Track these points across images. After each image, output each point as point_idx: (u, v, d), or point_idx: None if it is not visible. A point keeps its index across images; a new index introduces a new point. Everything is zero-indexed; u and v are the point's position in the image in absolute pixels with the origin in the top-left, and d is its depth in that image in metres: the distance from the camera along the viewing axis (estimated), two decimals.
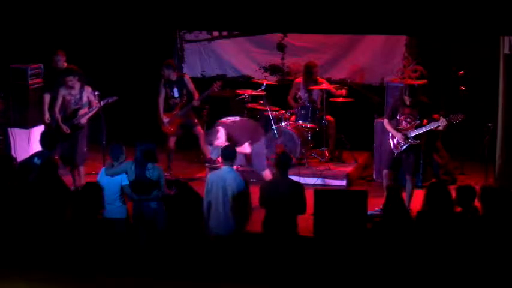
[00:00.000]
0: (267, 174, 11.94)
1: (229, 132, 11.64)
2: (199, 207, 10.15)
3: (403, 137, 11.32)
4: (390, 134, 11.51)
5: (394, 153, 11.46)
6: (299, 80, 13.93)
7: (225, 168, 10.11)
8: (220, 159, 10.66)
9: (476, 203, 9.00)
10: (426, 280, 8.79)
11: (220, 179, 9.98)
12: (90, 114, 12.39)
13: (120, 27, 13.28)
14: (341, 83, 14.33)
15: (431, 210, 8.98)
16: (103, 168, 10.30)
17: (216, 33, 15.16)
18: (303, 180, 11.85)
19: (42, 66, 13.44)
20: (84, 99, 12.37)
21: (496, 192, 9.04)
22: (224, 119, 12.00)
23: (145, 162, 10.01)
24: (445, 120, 11.20)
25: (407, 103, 11.33)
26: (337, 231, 9.69)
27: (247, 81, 14.66)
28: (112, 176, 10.11)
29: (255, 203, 10.29)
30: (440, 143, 13.00)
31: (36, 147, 11.89)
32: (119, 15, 11.89)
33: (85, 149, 12.45)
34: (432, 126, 11.29)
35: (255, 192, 10.25)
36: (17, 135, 13.00)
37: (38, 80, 13.36)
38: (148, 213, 10.00)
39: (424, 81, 12.92)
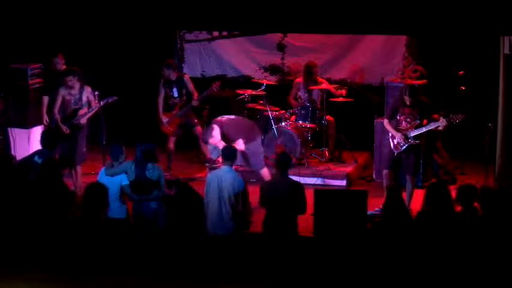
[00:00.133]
0: (265, 172, 11.94)
1: (223, 130, 11.66)
2: (199, 207, 10.15)
3: (403, 137, 11.32)
4: (390, 134, 11.51)
5: (394, 153, 11.45)
6: (299, 80, 13.93)
7: (224, 168, 10.12)
8: (220, 159, 10.67)
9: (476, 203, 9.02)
10: (426, 280, 8.78)
11: (218, 178, 10.00)
12: (90, 114, 12.37)
13: (120, 27, 13.28)
14: (341, 83, 14.33)
15: (431, 210, 8.98)
16: (103, 168, 10.31)
17: (216, 33, 15.16)
18: (303, 180, 11.84)
19: (42, 66, 13.44)
20: (84, 99, 12.36)
21: (495, 193, 9.04)
22: (220, 118, 12.02)
23: (145, 162, 10.00)
24: (445, 120, 11.20)
25: (407, 103, 11.32)
26: (337, 231, 9.69)
27: (247, 81, 14.66)
28: (112, 176, 10.11)
29: (255, 203, 10.30)
30: (440, 143, 13.00)
31: (36, 147, 11.90)
32: (119, 15, 11.89)
33: (84, 149, 12.44)
34: (432, 126, 11.29)
35: (255, 192, 10.25)
36: (17, 135, 13.00)
37: (38, 80, 13.36)
38: (148, 213, 10.00)
39: (424, 81, 12.93)
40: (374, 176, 13.14)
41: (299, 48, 14.89)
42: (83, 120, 12.36)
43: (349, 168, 13.29)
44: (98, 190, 9.50)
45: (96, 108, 12.32)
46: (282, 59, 15.03)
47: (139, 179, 9.99)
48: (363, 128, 13.78)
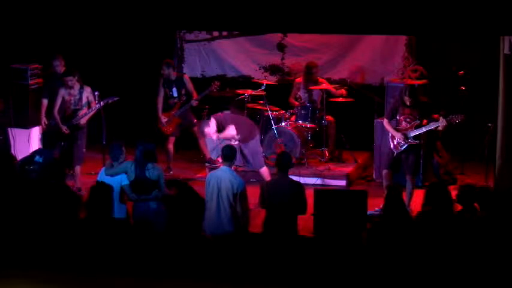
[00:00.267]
0: (265, 171, 11.95)
1: (221, 123, 11.71)
2: (199, 207, 10.13)
3: (403, 137, 11.32)
4: (390, 134, 11.51)
5: (394, 153, 11.46)
6: (299, 80, 13.93)
7: (223, 168, 10.13)
8: (220, 159, 10.67)
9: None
10: (426, 280, 8.78)
11: (217, 178, 10.00)
12: (90, 114, 12.37)
13: (120, 27, 13.28)
14: (341, 83, 14.33)
15: (431, 210, 8.97)
16: (103, 168, 10.30)
17: (216, 33, 15.16)
18: (303, 180, 11.84)
19: (41, 69, 13.43)
20: (84, 99, 12.36)
21: (495, 194, 9.06)
22: (219, 113, 12.11)
23: (145, 162, 10.00)
24: (444, 120, 11.20)
25: (407, 103, 11.32)
26: (337, 231, 9.68)
27: (247, 81, 14.66)
28: (112, 176, 10.10)
29: (254, 203, 10.30)
30: (440, 143, 13.00)
31: (36, 147, 11.90)
32: (119, 15, 11.89)
33: (84, 150, 12.44)
34: (432, 126, 11.29)
35: (255, 192, 10.25)
36: (17, 135, 12.98)
37: (38, 80, 13.36)
38: (148, 213, 9.99)
39: (424, 81, 12.93)
40: (374, 176, 13.14)
41: (299, 48, 14.89)
42: (83, 121, 12.36)
43: (349, 168, 13.30)
44: (103, 190, 9.48)
45: (96, 109, 12.32)
46: (282, 59, 15.03)
47: (139, 179, 9.99)
48: (363, 128, 13.78)
